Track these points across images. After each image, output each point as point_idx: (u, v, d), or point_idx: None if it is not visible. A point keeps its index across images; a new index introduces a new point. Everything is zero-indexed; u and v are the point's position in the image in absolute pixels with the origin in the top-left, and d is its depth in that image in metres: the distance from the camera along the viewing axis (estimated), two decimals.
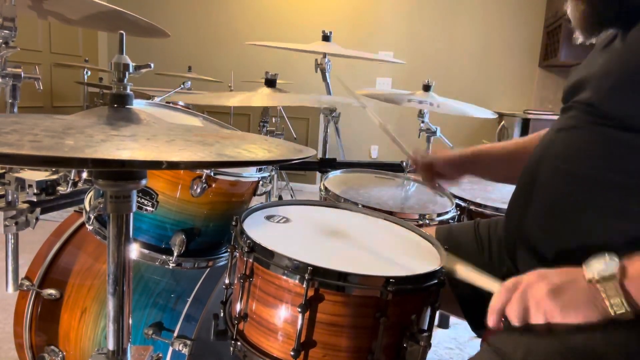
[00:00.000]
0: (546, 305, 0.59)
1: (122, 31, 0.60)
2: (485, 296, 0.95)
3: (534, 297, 0.60)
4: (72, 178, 1.10)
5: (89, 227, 1.01)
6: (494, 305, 0.64)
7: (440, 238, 1.05)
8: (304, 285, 0.67)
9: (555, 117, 0.91)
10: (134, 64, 0.62)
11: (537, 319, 0.59)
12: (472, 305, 0.98)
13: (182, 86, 2.60)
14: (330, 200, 1.25)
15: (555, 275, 0.61)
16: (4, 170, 1.04)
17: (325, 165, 2.03)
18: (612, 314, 0.55)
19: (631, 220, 0.69)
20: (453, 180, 1.14)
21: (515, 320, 0.61)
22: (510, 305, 0.62)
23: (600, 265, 0.57)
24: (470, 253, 1.00)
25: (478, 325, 0.99)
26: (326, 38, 1.81)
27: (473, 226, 1.05)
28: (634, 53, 0.71)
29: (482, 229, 1.03)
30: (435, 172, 1.12)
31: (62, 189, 1.10)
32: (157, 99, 2.23)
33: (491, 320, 0.64)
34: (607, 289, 0.55)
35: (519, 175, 0.88)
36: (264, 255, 0.72)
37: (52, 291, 1.09)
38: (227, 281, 0.87)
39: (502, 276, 0.90)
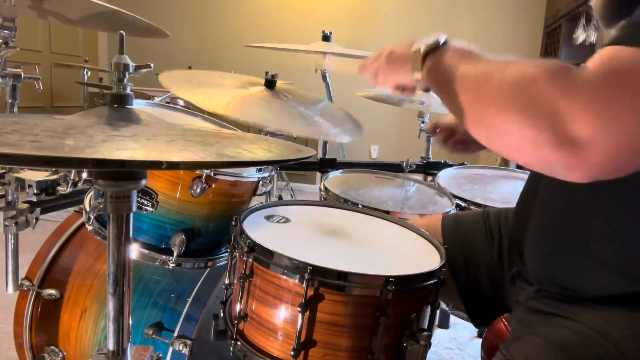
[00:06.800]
0: (381, 63, 0.74)
1: (122, 31, 0.60)
2: (486, 291, 0.95)
3: (381, 59, 0.76)
4: (72, 178, 1.09)
5: (89, 227, 1.01)
6: (363, 62, 0.81)
7: (446, 228, 1.03)
8: (304, 285, 0.67)
9: None
10: (134, 64, 0.62)
11: (374, 73, 0.77)
12: (474, 299, 0.98)
13: None
14: (330, 200, 1.25)
15: (400, 46, 0.72)
16: (4, 170, 1.03)
17: (325, 165, 2.03)
18: (411, 73, 0.67)
19: (633, 224, 0.68)
20: (471, 150, 1.13)
21: (370, 77, 0.80)
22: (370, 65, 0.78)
23: (425, 41, 0.66)
24: (479, 243, 0.97)
25: (480, 320, 0.98)
26: (326, 38, 1.81)
27: (482, 215, 1.02)
28: None
29: (492, 219, 1.00)
30: (456, 139, 1.12)
31: (62, 189, 1.09)
32: (157, 99, 2.23)
33: (360, 68, 0.82)
34: (414, 59, 0.65)
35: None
36: (263, 255, 0.72)
37: (52, 291, 1.09)
38: (227, 281, 0.87)
39: (510, 278, 0.89)
